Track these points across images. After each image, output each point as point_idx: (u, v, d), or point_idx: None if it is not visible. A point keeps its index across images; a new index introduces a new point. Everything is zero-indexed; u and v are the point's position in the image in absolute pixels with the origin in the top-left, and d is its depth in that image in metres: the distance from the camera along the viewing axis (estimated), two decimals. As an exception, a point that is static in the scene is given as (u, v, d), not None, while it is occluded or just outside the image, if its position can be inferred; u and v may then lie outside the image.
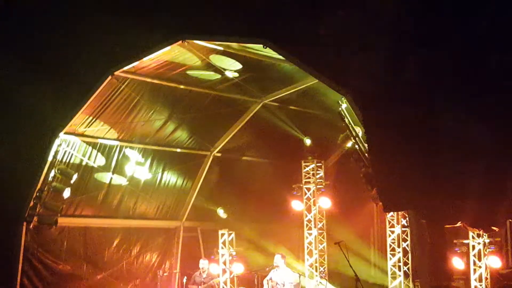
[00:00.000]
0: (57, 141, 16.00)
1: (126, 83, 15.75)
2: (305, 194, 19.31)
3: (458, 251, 15.11)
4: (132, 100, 16.42)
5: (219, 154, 19.97)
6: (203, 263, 18.10)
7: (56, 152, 16.11)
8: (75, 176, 16.41)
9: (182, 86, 16.83)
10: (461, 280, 14.99)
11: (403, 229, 17.95)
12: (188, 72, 16.02)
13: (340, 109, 14.63)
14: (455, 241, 15.13)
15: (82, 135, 16.71)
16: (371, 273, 19.44)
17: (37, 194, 15.98)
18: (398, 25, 11.63)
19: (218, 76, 16.41)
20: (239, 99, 18.22)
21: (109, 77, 15.03)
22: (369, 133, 12.50)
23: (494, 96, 10.94)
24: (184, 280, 18.28)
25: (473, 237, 15.02)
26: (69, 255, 17.75)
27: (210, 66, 15.79)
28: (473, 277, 14.97)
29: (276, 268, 17.03)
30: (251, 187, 19.63)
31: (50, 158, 15.99)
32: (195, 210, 20.34)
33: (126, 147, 17.93)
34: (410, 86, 11.62)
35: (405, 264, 17.96)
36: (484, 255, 14.83)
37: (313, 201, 19.21)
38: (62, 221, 16.90)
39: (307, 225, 19.19)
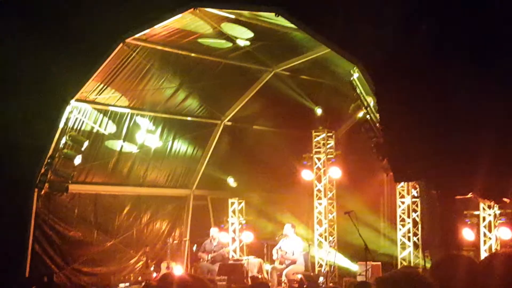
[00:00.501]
0: (68, 108, 16.00)
1: (137, 51, 15.72)
2: (316, 164, 19.28)
3: (469, 222, 15.09)
4: (143, 68, 16.39)
5: (229, 123, 19.94)
6: (213, 231, 18.18)
7: (67, 119, 16.14)
8: (86, 143, 16.42)
9: (193, 54, 16.77)
10: (471, 251, 14.99)
11: (413, 199, 17.98)
12: (199, 40, 15.94)
13: (352, 78, 14.54)
14: (465, 212, 15.08)
15: (93, 102, 16.72)
16: (380, 243, 19.48)
17: (48, 161, 16.03)
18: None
19: (230, 44, 16.32)
20: (250, 68, 18.15)
21: (120, 44, 14.97)
22: (381, 103, 12.44)
23: (509, 67, 10.83)
24: (194, 248, 18.40)
25: (483, 208, 15.02)
26: (79, 222, 17.88)
27: (221, 34, 15.71)
28: (483, 248, 14.99)
29: (285, 237, 17.10)
30: (261, 156, 19.61)
31: (61, 125, 16.00)
32: (205, 179, 20.38)
33: (137, 114, 17.95)
34: (423, 56, 11.52)
35: (415, 234, 18.01)
36: (495, 226, 14.83)
37: (323, 171, 19.19)
38: (73, 188, 17.00)
39: (317, 195, 19.19)
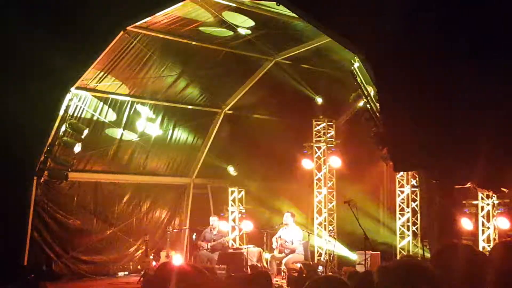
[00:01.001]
0: (68, 96, 16.01)
1: (138, 39, 15.67)
2: (316, 153, 19.31)
3: (467, 212, 15.15)
4: (144, 56, 16.35)
5: (230, 112, 19.95)
6: (213, 220, 18.19)
7: (67, 107, 16.14)
8: (86, 131, 16.42)
9: (194, 43, 16.73)
10: (469, 241, 15.04)
11: (413, 189, 18.03)
12: (201, 28, 15.91)
13: (352, 67, 14.53)
14: (464, 201, 15.15)
15: (93, 90, 16.71)
16: (379, 232, 19.51)
17: (48, 148, 16.06)
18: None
19: (231, 33, 16.29)
20: (251, 56, 18.11)
21: (121, 32, 14.95)
22: (381, 93, 12.43)
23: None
24: (194, 237, 18.43)
25: (482, 198, 15.05)
26: (79, 210, 17.93)
27: (222, 23, 15.68)
28: (481, 237, 15.04)
29: (285, 226, 17.13)
30: (262, 145, 19.61)
31: (61, 113, 16.02)
32: (205, 167, 20.42)
33: (137, 103, 17.94)
34: (424, 45, 11.50)
35: (414, 224, 18.07)
36: (493, 216, 14.88)
37: (323, 160, 19.23)
38: (73, 176, 17.04)
39: (317, 184, 19.23)
